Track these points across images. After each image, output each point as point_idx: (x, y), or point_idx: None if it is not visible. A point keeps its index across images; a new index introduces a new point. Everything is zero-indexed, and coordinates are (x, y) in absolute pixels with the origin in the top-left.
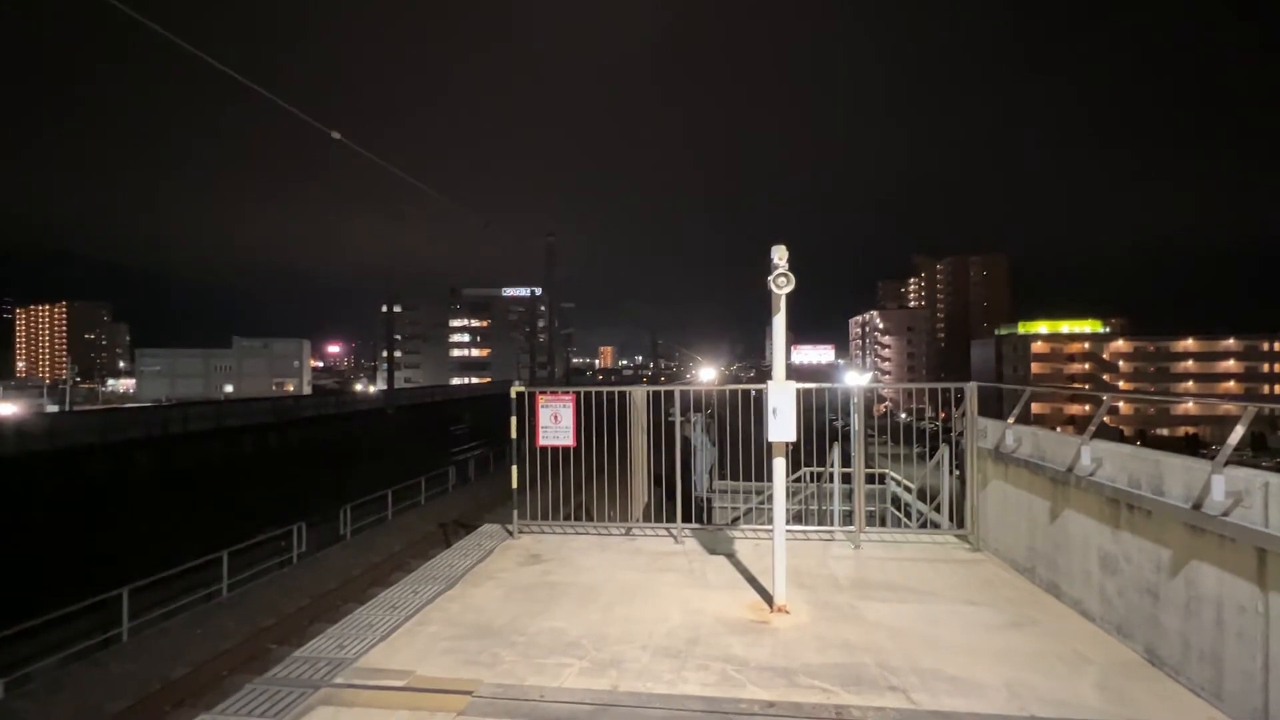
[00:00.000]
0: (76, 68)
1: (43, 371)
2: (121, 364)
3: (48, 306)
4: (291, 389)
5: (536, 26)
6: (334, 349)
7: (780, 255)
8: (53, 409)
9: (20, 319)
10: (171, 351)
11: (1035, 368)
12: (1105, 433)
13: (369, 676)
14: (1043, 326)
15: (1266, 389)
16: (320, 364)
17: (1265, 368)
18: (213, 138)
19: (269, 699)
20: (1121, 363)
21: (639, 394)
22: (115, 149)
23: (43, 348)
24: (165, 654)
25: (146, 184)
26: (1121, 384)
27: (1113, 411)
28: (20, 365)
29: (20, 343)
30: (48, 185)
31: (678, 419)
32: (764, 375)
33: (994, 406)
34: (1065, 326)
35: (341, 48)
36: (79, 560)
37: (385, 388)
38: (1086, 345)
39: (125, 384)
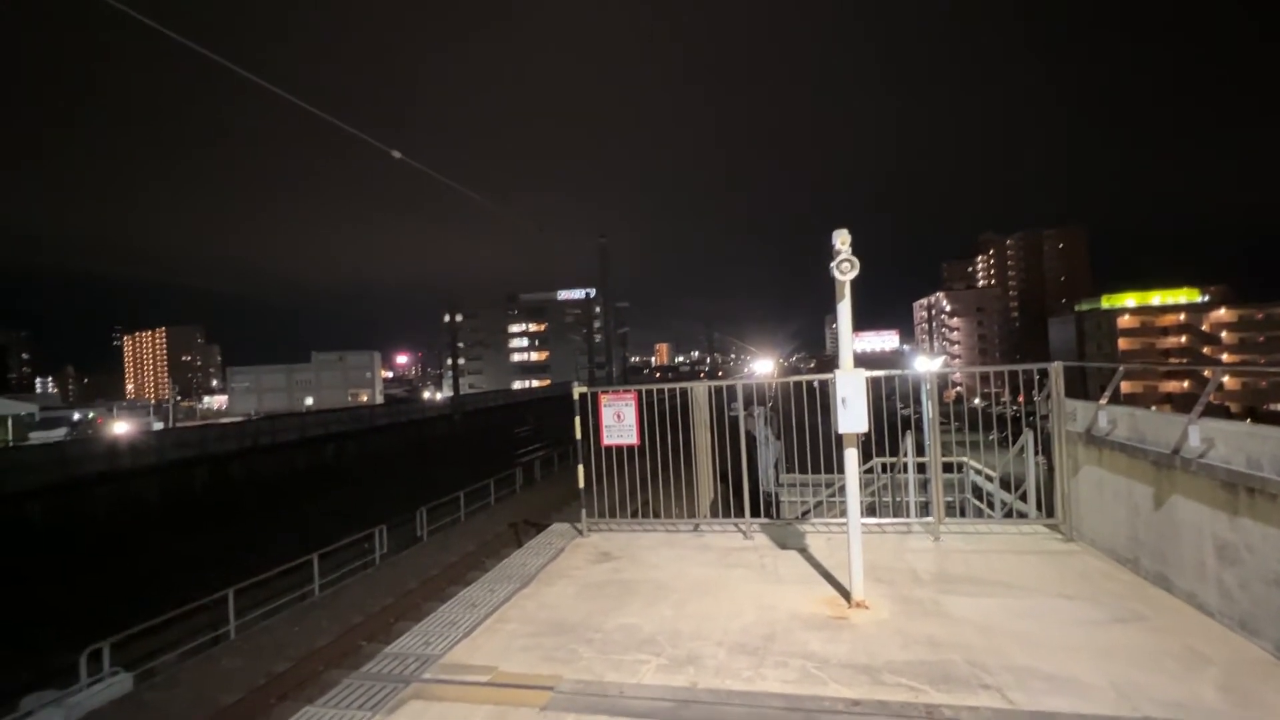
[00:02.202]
0: (158, 114)
1: (148, 392)
2: (214, 382)
3: (150, 332)
4: (365, 399)
5: (586, 29)
6: (402, 359)
7: (843, 240)
8: (158, 426)
9: (128, 345)
10: (257, 368)
11: (1123, 344)
12: (1209, 410)
13: (455, 672)
14: (1130, 299)
15: None
16: (390, 374)
17: None
18: (283, 166)
19: (365, 693)
20: (1225, 334)
21: (700, 389)
22: (202, 188)
23: (147, 370)
24: (268, 650)
25: (228, 213)
26: (1226, 357)
27: (1216, 387)
28: (130, 387)
29: (129, 366)
30: (139, 220)
31: (740, 413)
32: (823, 364)
33: (1077, 388)
34: (1156, 298)
35: (399, 61)
36: (189, 562)
37: (451, 394)
38: (1182, 317)
39: (218, 400)
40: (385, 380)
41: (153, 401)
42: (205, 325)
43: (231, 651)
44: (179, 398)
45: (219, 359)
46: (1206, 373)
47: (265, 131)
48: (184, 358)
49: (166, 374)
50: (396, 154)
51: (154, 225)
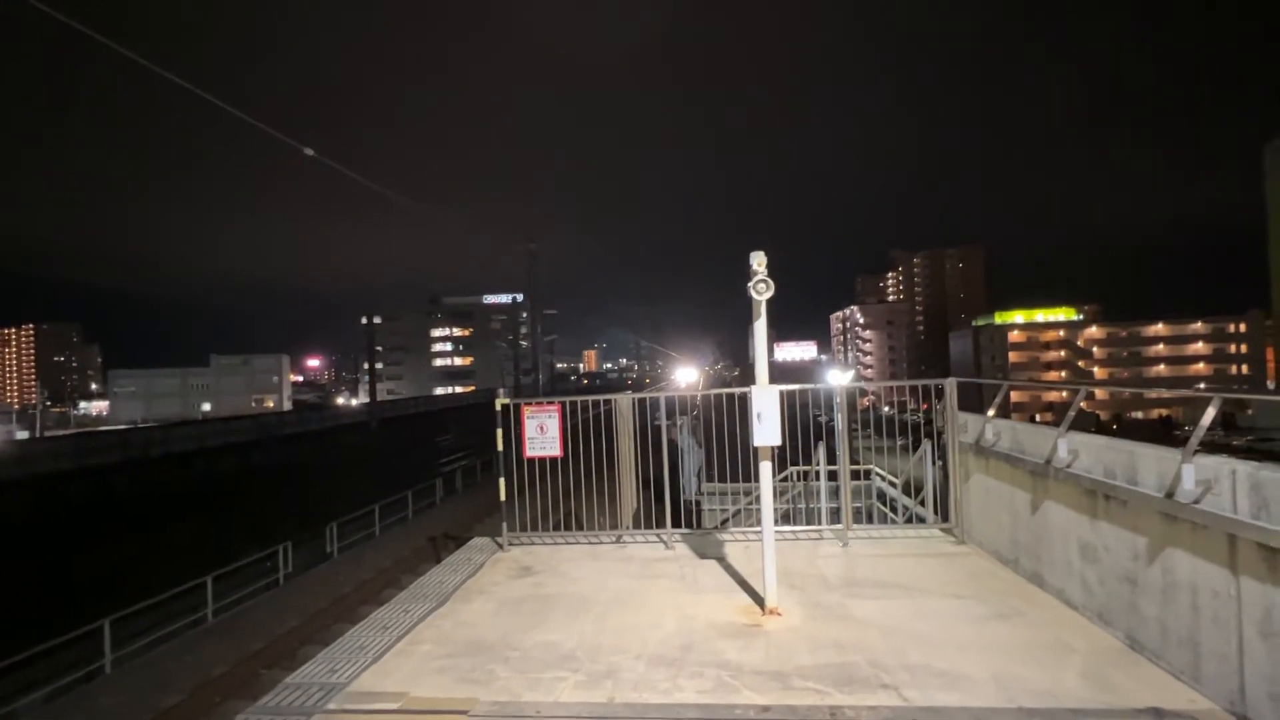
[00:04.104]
0: (37, 85)
1: (10, 397)
2: (94, 386)
3: (13, 329)
4: (271, 405)
5: (514, 27)
6: (314, 363)
7: (759, 262)
8: (23, 435)
9: None
10: (146, 372)
11: (1013, 357)
12: (1082, 418)
13: (362, 700)
14: (1019, 316)
15: (1234, 369)
16: (300, 378)
17: (1231, 348)
18: (181, 153)
19: None
20: (1095, 349)
21: (624, 401)
22: (80, 167)
23: (9, 372)
24: (154, 684)
25: (112, 202)
26: (1096, 370)
27: (1088, 397)
28: None
29: None
30: (12, 205)
31: (664, 423)
32: (747, 372)
33: (974, 397)
34: (1040, 315)
35: (312, 48)
36: (57, 591)
37: (368, 400)
38: (1061, 333)
39: (98, 406)
40: (295, 385)
41: (15, 408)
42: (82, 323)
43: (109, 688)
44: (49, 403)
45: (99, 360)
46: (1081, 392)
47: (153, 112)
48: (56, 358)
49: (34, 377)
50: (309, 151)
51: (19, 210)
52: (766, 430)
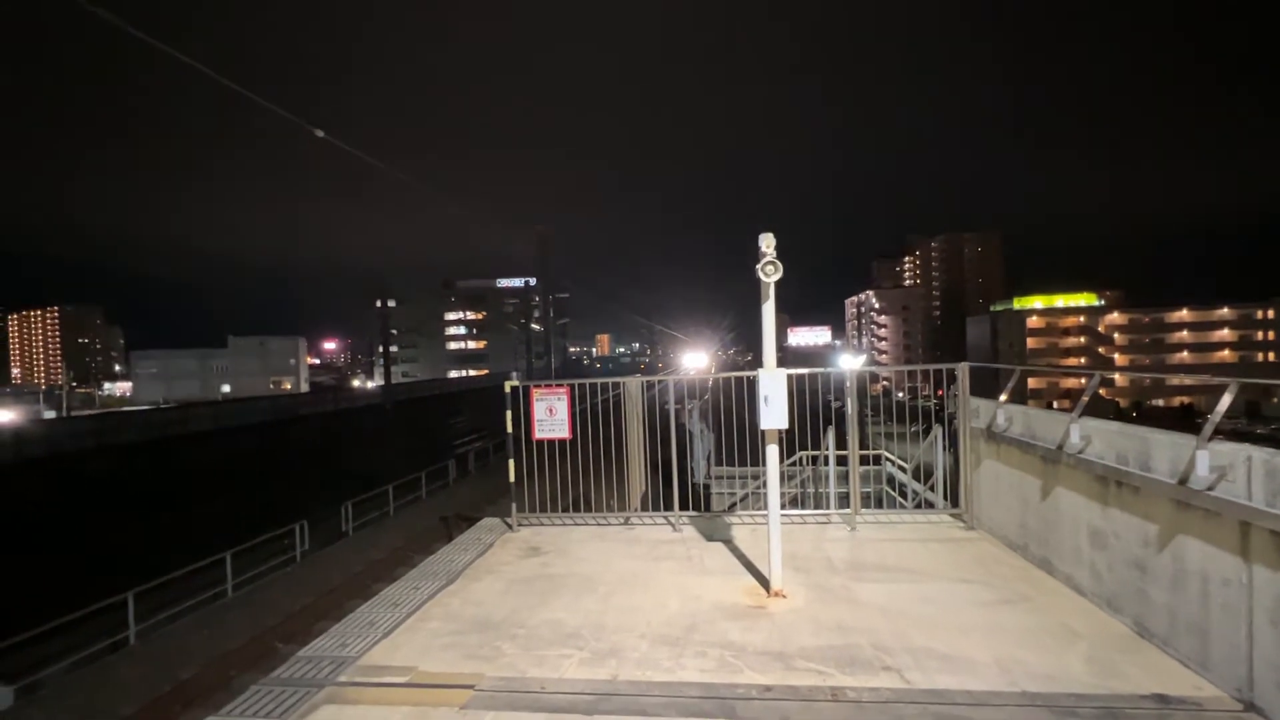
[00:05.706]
0: (55, 68)
1: (37, 377)
2: (117, 367)
3: (39, 311)
4: (289, 387)
5: (528, 11)
6: (330, 345)
7: (768, 243)
8: (50, 415)
9: (12, 324)
10: (167, 353)
11: (1031, 343)
12: (1101, 405)
13: (372, 674)
14: (1038, 301)
15: (1261, 356)
16: (316, 361)
17: (1259, 335)
18: (204, 138)
19: (274, 700)
20: (1117, 335)
21: (633, 385)
22: (100, 152)
23: (36, 353)
24: (173, 656)
25: (135, 187)
26: (1117, 357)
27: (1108, 384)
28: (15, 372)
29: (13, 348)
30: (35, 189)
31: (672, 407)
32: (761, 357)
33: (989, 384)
34: (1060, 301)
35: (325, 34)
36: (82, 565)
37: (383, 383)
38: (1081, 319)
39: (121, 387)
40: (312, 367)
41: (43, 388)
42: (105, 305)
43: (131, 659)
44: (74, 383)
45: (122, 342)
46: (1096, 376)
47: (171, 97)
48: (80, 340)
49: (59, 358)
50: (319, 132)
51: (42, 194)
52: (774, 414)
